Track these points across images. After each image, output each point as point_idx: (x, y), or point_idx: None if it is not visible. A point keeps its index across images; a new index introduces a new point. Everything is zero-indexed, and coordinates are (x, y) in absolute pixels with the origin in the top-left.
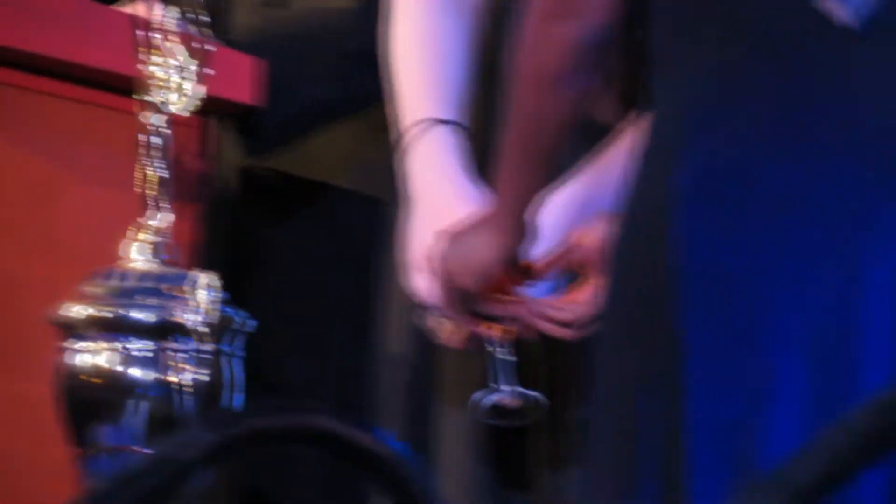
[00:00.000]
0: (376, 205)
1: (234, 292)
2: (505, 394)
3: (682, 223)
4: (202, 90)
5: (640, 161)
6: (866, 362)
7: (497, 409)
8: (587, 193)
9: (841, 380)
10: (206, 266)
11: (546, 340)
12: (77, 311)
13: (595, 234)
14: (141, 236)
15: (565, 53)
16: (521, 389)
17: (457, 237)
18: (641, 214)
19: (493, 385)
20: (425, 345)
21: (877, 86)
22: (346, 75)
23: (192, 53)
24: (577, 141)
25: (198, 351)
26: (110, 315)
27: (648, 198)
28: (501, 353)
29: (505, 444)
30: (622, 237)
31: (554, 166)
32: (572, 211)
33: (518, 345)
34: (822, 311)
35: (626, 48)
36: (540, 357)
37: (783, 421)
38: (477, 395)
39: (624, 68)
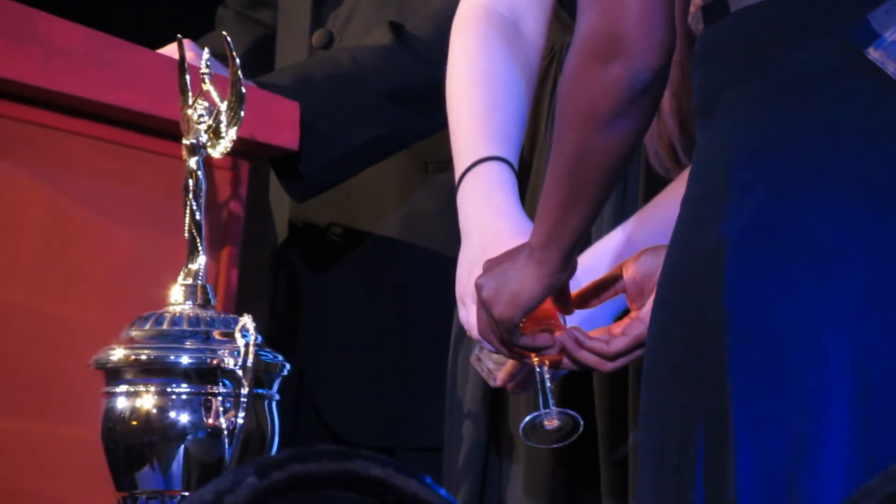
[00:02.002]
0: (428, 247)
1: (288, 338)
2: (542, 415)
3: (731, 270)
4: (234, 133)
5: (689, 207)
6: None
7: (538, 431)
8: (637, 236)
9: (890, 429)
10: (243, 310)
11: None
12: (119, 354)
13: (640, 266)
14: (184, 280)
15: (614, 95)
16: (557, 409)
17: (493, 267)
18: (691, 260)
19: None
20: (493, 394)
21: None
22: (384, 114)
23: (227, 96)
24: (636, 184)
25: (236, 394)
26: (150, 358)
27: (698, 244)
28: (541, 377)
29: (576, 490)
30: (671, 281)
31: (598, 205)
32: (620, 251)
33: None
34: (870, 360)
35: (686, 90)
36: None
37: (830, 467)
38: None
39: (685, 108)
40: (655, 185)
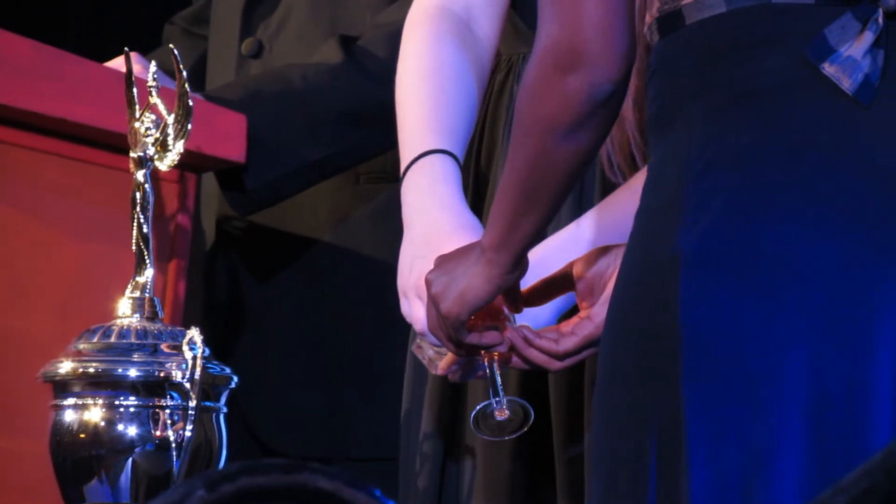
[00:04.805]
0: (360, 259)
1: (220, 348)
2: (493, 404)
3: (686, 284)
4: (182, 145)
5: (644, 219)
6: (872, 425)
7: (489, 421)
8: (588, 234)
9: (845, 442)
10: (190, 322)
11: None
12: (67, 367)
13: (591, 265)
14: (131, 293)
15: (573, 106)
16: (507, 398)
17: (444, 264)
18: (646, 272)
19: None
20: (450, 402)
21: (880, 155)
22: (334, 134)
23: (174, 109)
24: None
25: (184, 407)
26: (98, 371)
27: (653, 256)
28: (490, 372)
29: (535, 490)
30: (625, 293)
31: (552, 211)
32: (570, 249)
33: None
34: (826, 374)
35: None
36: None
37: (785, 480)
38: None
39: (640, 121)
40: (612, 185)
